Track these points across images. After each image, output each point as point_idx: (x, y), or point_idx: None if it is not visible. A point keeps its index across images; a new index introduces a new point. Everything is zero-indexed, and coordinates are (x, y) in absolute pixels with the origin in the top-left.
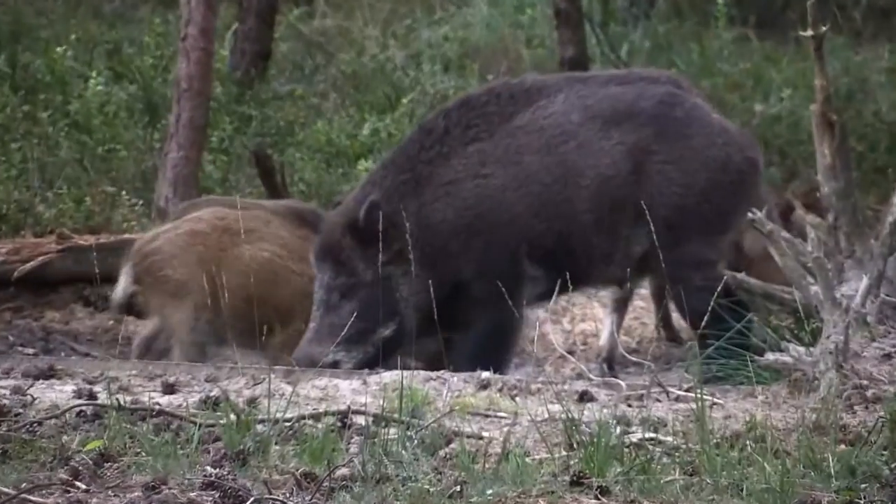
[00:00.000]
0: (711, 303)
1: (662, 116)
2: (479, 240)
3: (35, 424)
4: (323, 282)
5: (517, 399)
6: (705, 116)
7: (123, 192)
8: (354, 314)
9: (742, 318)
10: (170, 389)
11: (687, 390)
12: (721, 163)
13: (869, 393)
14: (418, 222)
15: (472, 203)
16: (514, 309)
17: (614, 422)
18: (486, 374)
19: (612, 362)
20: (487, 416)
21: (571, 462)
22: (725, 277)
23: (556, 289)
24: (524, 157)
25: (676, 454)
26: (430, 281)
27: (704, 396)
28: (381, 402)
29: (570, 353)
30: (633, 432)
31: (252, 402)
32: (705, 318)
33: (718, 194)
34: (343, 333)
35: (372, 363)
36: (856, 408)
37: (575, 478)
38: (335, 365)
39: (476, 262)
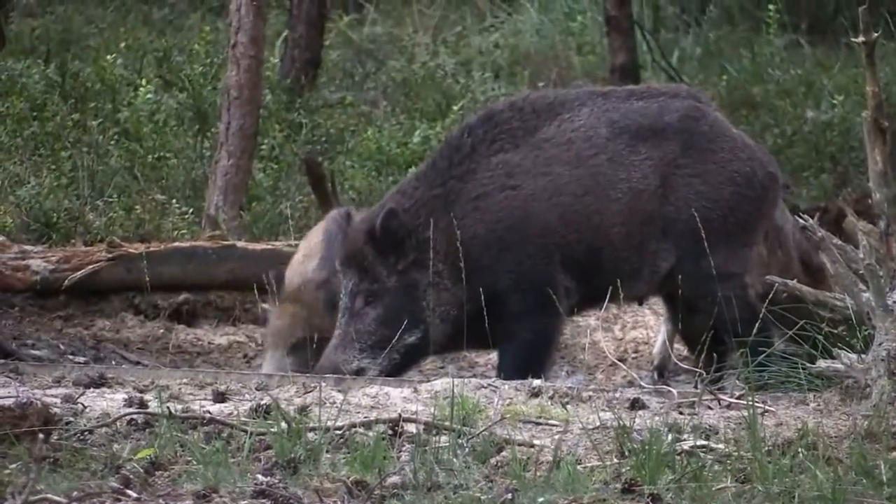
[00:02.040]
0: (736, 313)
1: (688, 131)
2: (512, 252)
3: (86, 433)
4: (347, 288)
5: (568, 407)
6: (728, 131)
7: (173, 201)
8: (378, 321)
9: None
10: (221, 398)
11: (738, 398)
12: (746, 177)
13: None
14: (449, 238)
15: (502, 215)
16: (551, 318)
17: (666, 429)
18: (537, 382)
19: (663, 370)
20: (538, 423)
21: (623, 470)
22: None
23: (606, 298)
24: (553, 169)
25: (728, 462)
26: (462, 295)
27: (756, 404)
28: (433, 410)
29: (622, 360)
30: (684, 440)
31: (303, 410)
32: (736, 327)
33: (743, 208)
34: (367, 341)
35: (397, 371)
36: None
37: (626, 485)
38: (360, 372)
39: (510, 274)
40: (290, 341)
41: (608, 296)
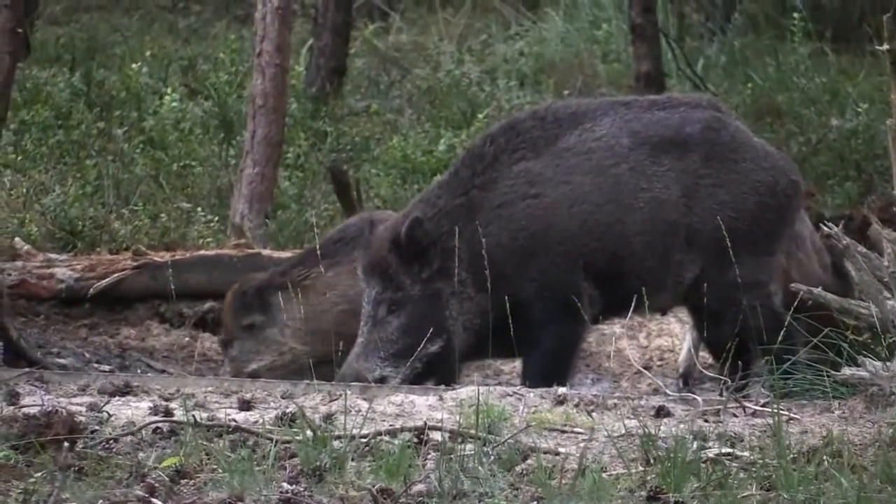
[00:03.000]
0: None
1: (709, 142)
2: (535, 260)
3: (111, 441)
4: (370, 296)
5: (594, 414)
6: (749, 140)
7: (199, 209)
8: (401, 329)
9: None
10: (246, 406)
11: (763, 405)
12: (769, 186)
13: None
14: (472, 247)
15: (525, 223)
16: (575, 326)
17: (691, 437)
18: (562, 390)
19: (688, 378)
20: (564, 431)
21: (648, 477)
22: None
23: (632, 306)
24: (574, 178)
25: (753, 469)
26: (486, 303)
27: (781, 411)
28: (458, 418)
29: (647, 368)
30: (709, 447)
31: (328, 418)
32: (761, 335)
33: (767, 217)
34: (390, 349)
35: (419, 379)
36: None
37: (652, 493)
38: (382, 380)
39: (534, 283)
40: None
41: (633, 305)
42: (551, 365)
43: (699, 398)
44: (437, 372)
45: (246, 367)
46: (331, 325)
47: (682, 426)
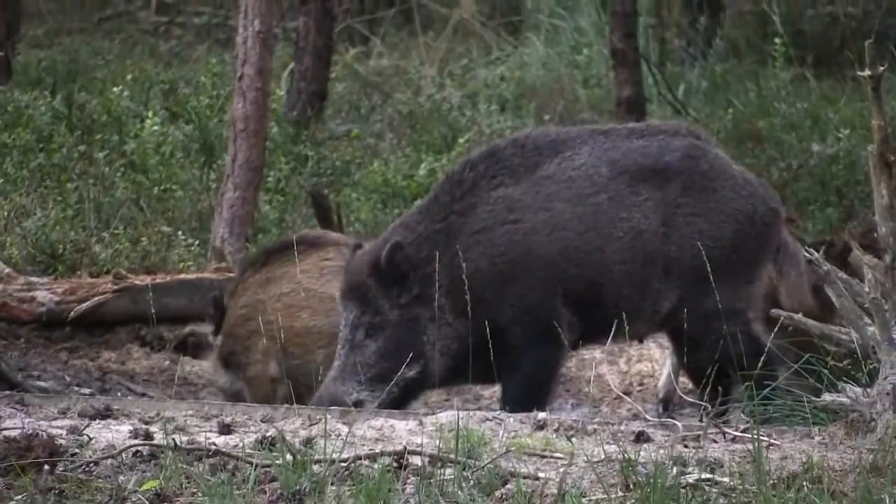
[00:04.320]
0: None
1: (688, 171)
2: (514, 285)
3: (91, 464)
4: (348, 320)
5: (573, 440)
6: (728, 168)
7: (179, 233)
8: (379, 354)
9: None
10: (226, 430)
11: (743, 431)
12: (747, 215)
13: None
14: (451, 273)
15: (504, 249)
16: (553, 351)
17: (671, 462)
18: (542, 415)
19: (668, 403)
20: (544, 456)
21: (628, 503)
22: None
23: (609, 334)
24: (554, 205)
25: (733, 495)
26: (464, 328)
27: (761, 437)
28: (438, 443)
29: (627, 393)
30: (689, 473)
31: (308, 442)
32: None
33: (746, 245)
34: (367, 373)
35: (396, 404)
36: None
37: None
38: (359, 404)
39: (512, 308)
40: None
41: (611, 332)
42: (530, 390)
43: (679, 424)
44: (414, 397)
45: None
46: (230, 326)
47: (661, 452)
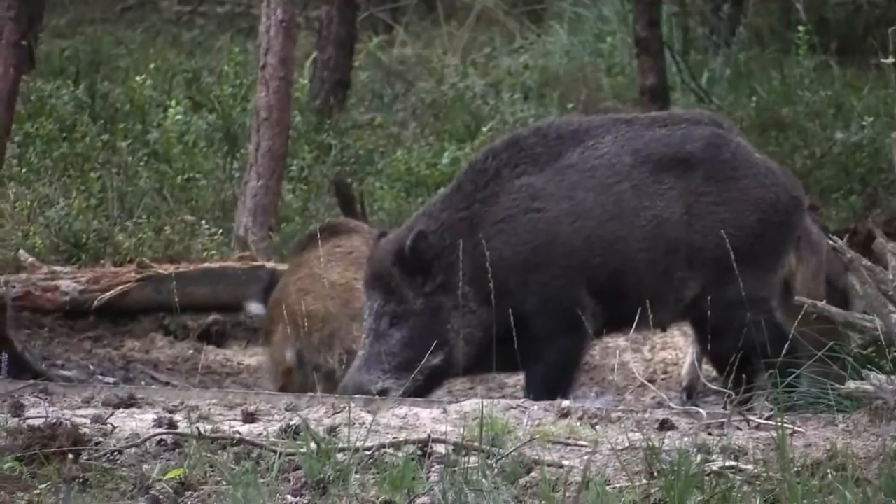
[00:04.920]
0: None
1: (711, 159)
2: (538, 273)
3: (115, 453)
4: (372, 309)
5: (597, 427)
6: (751, 157)
7: (203, 222)
8: (403, 342)
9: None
10: (250, 418)
11: (767, 418)
12: (770, 203)
13: None
14: (474, 261)
15: (527, 238)
16: (577, 339)
17: (695, 450)
18: (566, 403)
19: (692, 391)
20: (568, 444)
21: (652, 491)
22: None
23: (633, 323)
24: (577, 194)
25: (757, 483)
26: (488, 317)
27: (785, 425)
28: (462, 431)
29: (651, 381)
30: (713, 461)
31: (332, 430)
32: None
33: (768, 234)
34: (391, 362)
35: (420, 392)
36: None
37: None
38: (383, 393)
39: (536, 296)
40: None
41: (635, 321)
42: (554, 378)
43: (703, 411)
44: (439, 385)
45: None
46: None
47: (685, 439)
